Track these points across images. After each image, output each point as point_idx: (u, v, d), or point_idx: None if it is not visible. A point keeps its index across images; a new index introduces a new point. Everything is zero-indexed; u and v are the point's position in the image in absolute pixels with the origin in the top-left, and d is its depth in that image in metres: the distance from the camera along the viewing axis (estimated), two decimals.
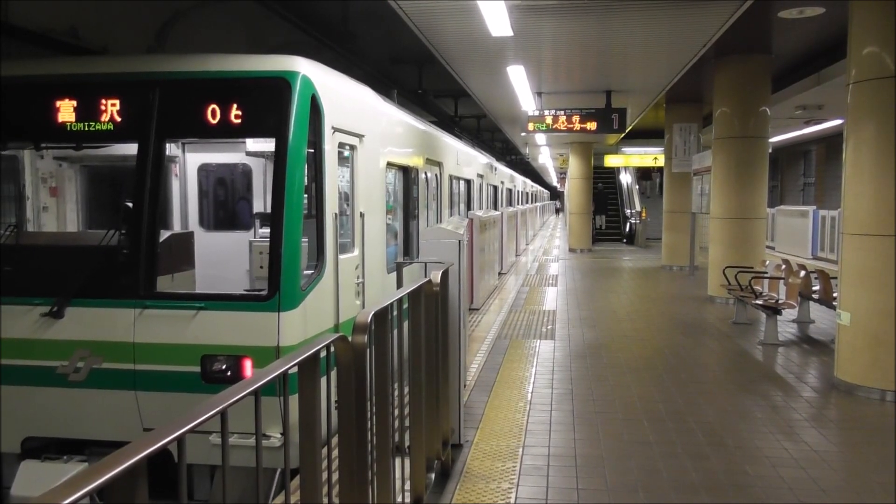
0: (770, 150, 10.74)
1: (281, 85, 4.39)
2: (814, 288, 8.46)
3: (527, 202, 29.86)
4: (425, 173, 8.31)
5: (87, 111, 4.57)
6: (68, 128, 4.59)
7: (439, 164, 9.13)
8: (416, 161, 7.63)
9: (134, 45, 7.86)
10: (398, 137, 6.89)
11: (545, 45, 7.81)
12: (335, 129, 4.85)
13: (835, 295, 6.78)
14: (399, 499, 3.22)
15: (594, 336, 8.24)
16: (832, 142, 23.01)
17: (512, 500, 3.79)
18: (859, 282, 5.88)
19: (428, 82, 12.21)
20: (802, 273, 8.57)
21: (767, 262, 10.17)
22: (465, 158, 11.61)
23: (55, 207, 5.87)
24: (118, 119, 4.54)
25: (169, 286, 4.72)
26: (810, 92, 11.37)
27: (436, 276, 3.70)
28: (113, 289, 4.43)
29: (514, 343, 7.80)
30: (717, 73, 10.59)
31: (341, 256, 4.89)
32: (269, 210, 5.89)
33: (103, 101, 4.54)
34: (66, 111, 4.59)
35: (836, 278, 6.56)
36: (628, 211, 26.38)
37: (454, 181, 10.60)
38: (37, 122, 4.73)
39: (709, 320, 9.47)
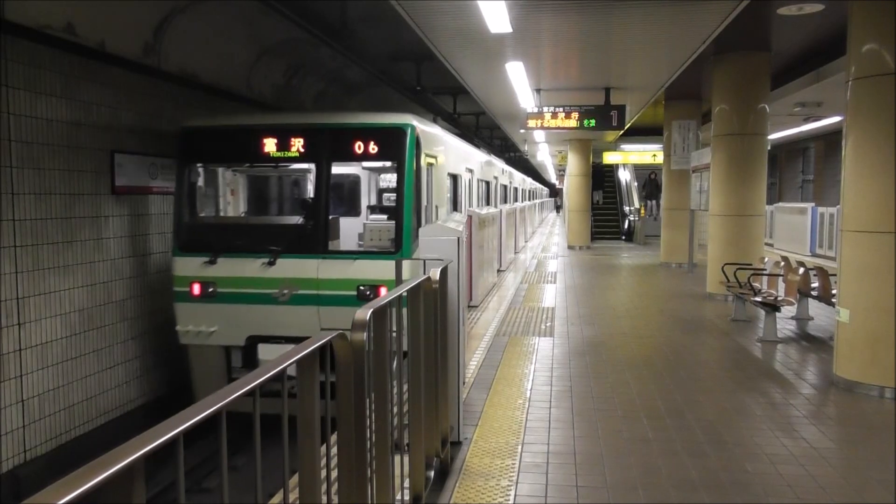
0: (769, 147, 10.73)
1: (399, 132, 7.32)
2: (812, 285, 8.46)
3: (527, 199, 29.92)
4: (463, 178, 11.24)
5: (283, 145, 7.44)
6: (271, 155, 7.50)
7: (471, 171, 12.15)
8: (459, 170, 10.60)
9: (131, 42, 7.83)
10: (450, 155, 9.67)
11: (544, 42, 7.80)
12: (426, 155, 7.68)
13: (833, 292, 6.78)
14: (398, 497, 3.21)
15: (593, 333, 8.24)
16: (831, 139, 23.01)
17: (511, 498, 3.78)
18: (858, 279, 5.88)
19: (426, 79, 12.20)
20: (801, 270, 8.57)
21: (766, 259, 10.17)
22: (486, 165, 14.68)
23: (230, 202, 8.80)
24: (302, 150, 7.44)
25: (332, 247, 7.52)
26: (809, 89, 11.36)
27: (435, 273, 3.69)
28: (304, 248, 7.31)
29: (513, 340, 7.79)
30: (716, 70, 10.57)
31: None
32: (376, 203, 10.01)
33: (293, 139, 7.42)
34: (269, 145, 7.45)
35: (834, 275, 6.56)
36: (627, 208, 26.34)
37: (480, 183, 13.65)
38: (251, 151, 7.58)
39: (708, 317, 9.47)
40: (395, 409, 3.12)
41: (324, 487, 2.30)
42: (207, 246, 7.45)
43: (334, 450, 2.61)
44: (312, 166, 7.78)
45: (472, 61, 8.76)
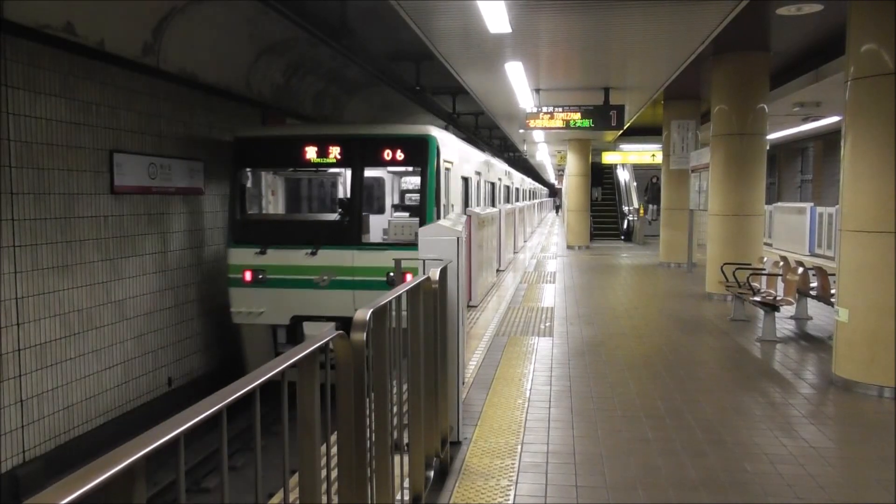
0: (768, 147, 10.72)
1: (423, 141, 8.58)
2: (811, 285, 8.47)
3: (526, 199, 29.97)
4: (473, 180, 12.39)
5: (322, 152, 8.69)
6: (311, 161, 8.76)
7: (479, 174, 13.28)
8: (469, 173, 11.78)
9: (130, 42, 7.82)
10: (463, 160, 10.87)
11: (543, 42, 7.79)
12: (444, 160, 8.93)
13: (832, 292, 6.79)
14: (398, 497, 3.21)
15: (592, 333, 8.24)
16: (830, 139, 23.01)
17: (511, 498, 3.78)
18: (857, 278, 5.88)
19: (426, 79, 12.20)
20: (800, 270, 8.57)
21: (765, 259, 10.17)
22: (492, 168, 15.97)
23: (271, 200, 10.26)
24: (339, 157, 8.69)
25: (365, 239, 8.77)
26: (808, 89, 11.35)
27: (434, 273, 3.68)
28: (342, 240, 8.55)
29: (512, 340, 7.79)
30: (715, 70, 10.57)
31: None
32: (399, 202, 11.70)
33: (330, 147, 8.67)
34: (311, 152, 8.72)
35: (833, 275, 6.56)
36: (626, 208, 26.32)
37: (486, 184, 14.89)
38: (295, 157, 8.89)
39: (707, 317, 9.48)
40: (395, 409, 3.12)
41: (324, 487, 2.30)
42: (258, 239, 8.67)
43: (334, 450, 2.61)
44: (348, 171, 9.29)
45: (471, 61, 8.76)
